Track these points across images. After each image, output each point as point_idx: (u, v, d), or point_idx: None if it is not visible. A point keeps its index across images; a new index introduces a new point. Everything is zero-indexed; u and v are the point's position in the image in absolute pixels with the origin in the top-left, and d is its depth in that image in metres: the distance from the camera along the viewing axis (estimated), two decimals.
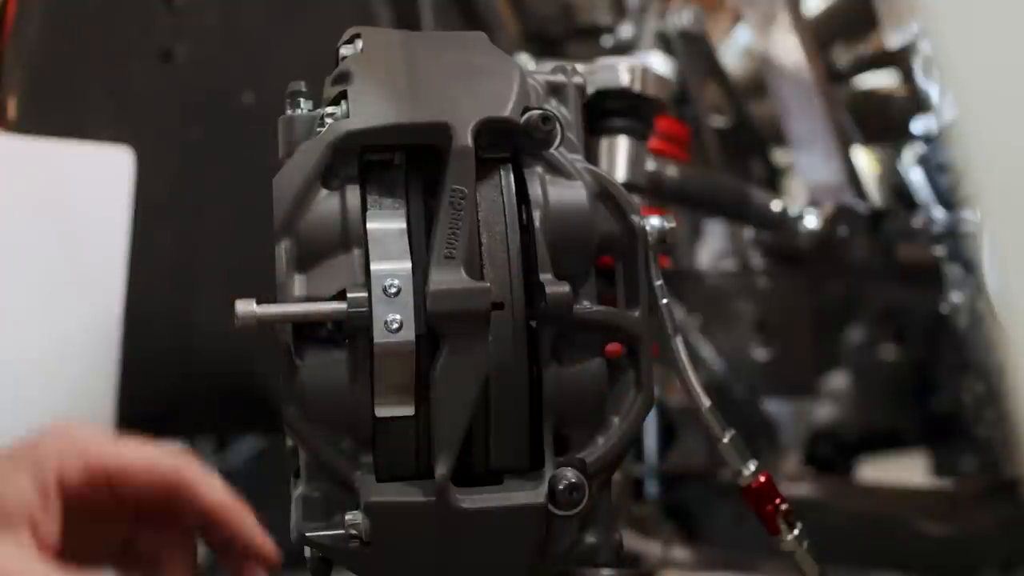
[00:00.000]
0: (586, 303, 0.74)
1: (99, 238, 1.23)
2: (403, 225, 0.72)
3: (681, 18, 1.32)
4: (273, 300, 0.72)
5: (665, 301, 0.78)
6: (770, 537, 0.80)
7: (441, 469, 0.70)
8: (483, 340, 0.71)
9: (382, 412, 0.70)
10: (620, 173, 1.01)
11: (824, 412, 1.62)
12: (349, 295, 0.70)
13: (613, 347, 0.76)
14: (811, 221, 1.28)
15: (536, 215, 0.73)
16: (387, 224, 0.72)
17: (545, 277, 0.72)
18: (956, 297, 1.23)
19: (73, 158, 1.20)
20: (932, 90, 1.25)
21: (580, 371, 0.74)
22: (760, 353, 1.47)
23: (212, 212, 1.29)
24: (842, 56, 1.46)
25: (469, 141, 0.72)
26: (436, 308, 0.70)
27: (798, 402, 1.60)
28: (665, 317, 0.78)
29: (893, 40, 1.32)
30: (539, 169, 0.75)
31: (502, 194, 0.74)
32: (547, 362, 0.72)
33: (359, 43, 0.79)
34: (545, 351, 0.72)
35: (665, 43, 1.32)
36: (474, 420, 0.71)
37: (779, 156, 1.51)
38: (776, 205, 1.29)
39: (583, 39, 1.44)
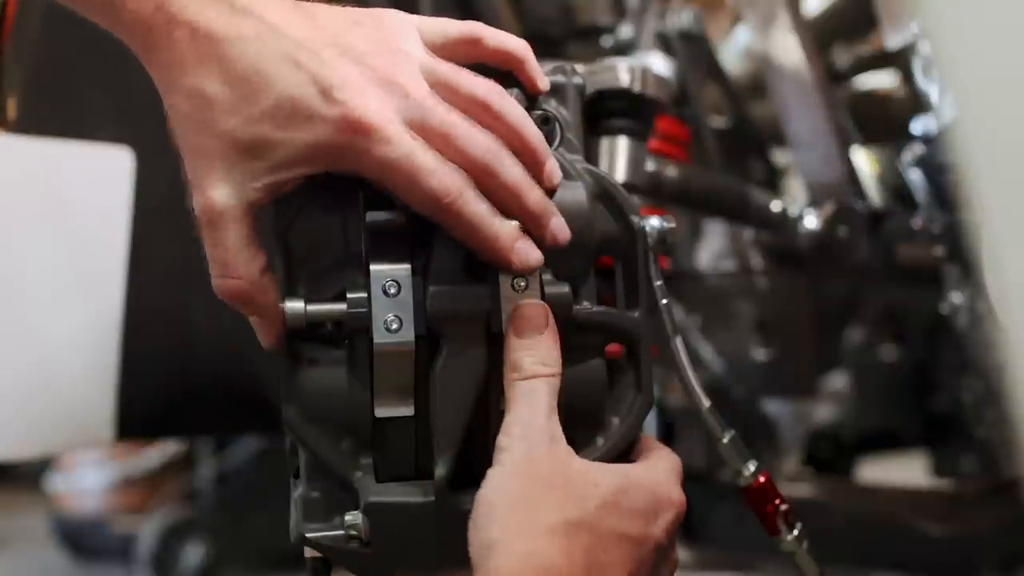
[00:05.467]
0: (586, 304, 0.74)
1: (99, 238, 1.23)
2: (403, 225, 0.72)
3: (681, 18, 1.32)
4: None
5: (665, 301, 0.78)
6: (770, 537, 0.80)
7: (440, 470, 0.70)
8: (483, 340, 0.71)
9: (382, 412, 0.70)
10: (620, 173, 1.01)
11: (824, 412, 1.62)
12: (349, 295, 0.70)
13: (613, 348, 0.76)
14: (811, 221, 1.28)
15: None
16: (387, 224, 0.72)
17: (545, 277, 0.72)
18: (956, 297, 1.23)
19: (73, 158, 1.20)
20: (932, 90, 1.25)
21: (580, 372, 0.74)
22: (760, 353, 1.47)
23: None
24: (842, 56, 1.46)
25: None
26: (436, 308, 0.70)
27: (798, 402, 1.60)
28: (665, 317, 0.78)
29: (893, 40, 1.32)
30: None
31: None
32: None
33: None
34: None
35: (665, 43, 1.32)
36: (474, 420, 0.71)
37: (779, 156, 1.51)
38: (776, 205, 1.29)
39: (583, 39, 1.43)
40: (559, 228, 0.72)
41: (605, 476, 0.69)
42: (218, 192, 0.68)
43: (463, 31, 0.75)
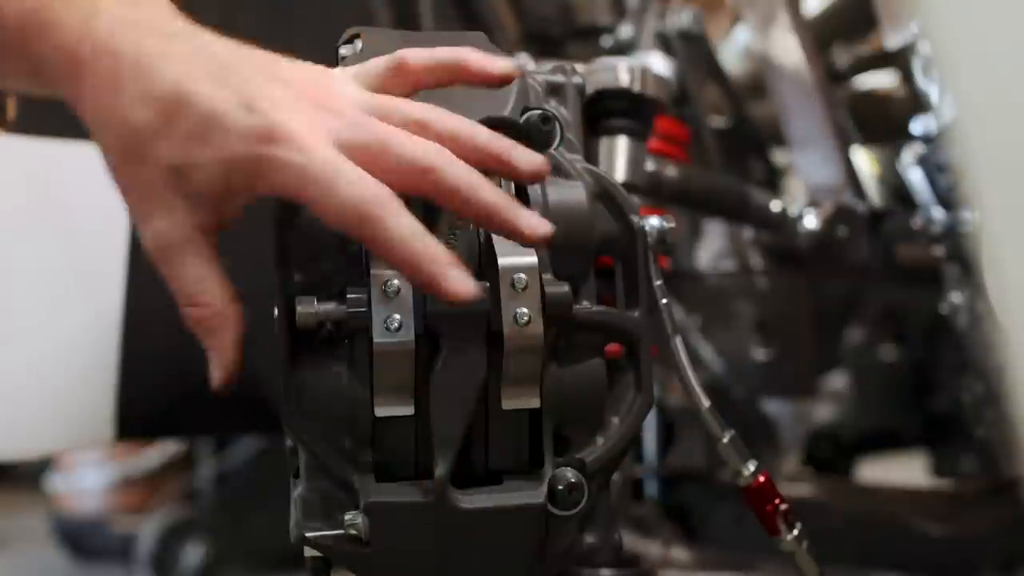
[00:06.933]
0: (585, 303, 0.74)
1: (99, 238, 1.22)
2: None
3: (681, 18, 1.32)
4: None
5: (665, 301, 0.78)
6: (770, 537, 0.80)
7: (440, 469, 0.70)
8: (482, 340, 0.71)
9: (381, 412, 0.70)
10: (620, 173, 1.01)
11: (824, 412, 1.62)
12: (349, 295, 0.70)
13: (613, 347, 0.76)
14: (811, 221, 1.28)
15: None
16: None
17: (545, 277, 0.72)
18: (956, 297, 1.23)
19: (73, 158, 1.20)
20: (932, 90, 1.25)
21: (579, 371, 0.74)
22: (760, 353, 1.47)
23: None
24: (842, 56, 1.46)
25: None
26: (436, 308, 0.70)
27: (798, 402, 1.60)
28: (665, 317, 0.78)
29: (893, 40, 1.32)
30: None
31: None
32: (546, 362, 0.72)
33: (359, 43, 0.78)
34: (544, 351, 0.72)
35: (665, 43, 1.32)
36: (473, 420, 0.71)
37: (779, 156, 1.51)
38: (776, 205, 1.29)
39: (583, 39, 1.43)
40: (531, 222, 0.66)
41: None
42: (164, 223, 0.66)
43: (388, 61, 0.71)
